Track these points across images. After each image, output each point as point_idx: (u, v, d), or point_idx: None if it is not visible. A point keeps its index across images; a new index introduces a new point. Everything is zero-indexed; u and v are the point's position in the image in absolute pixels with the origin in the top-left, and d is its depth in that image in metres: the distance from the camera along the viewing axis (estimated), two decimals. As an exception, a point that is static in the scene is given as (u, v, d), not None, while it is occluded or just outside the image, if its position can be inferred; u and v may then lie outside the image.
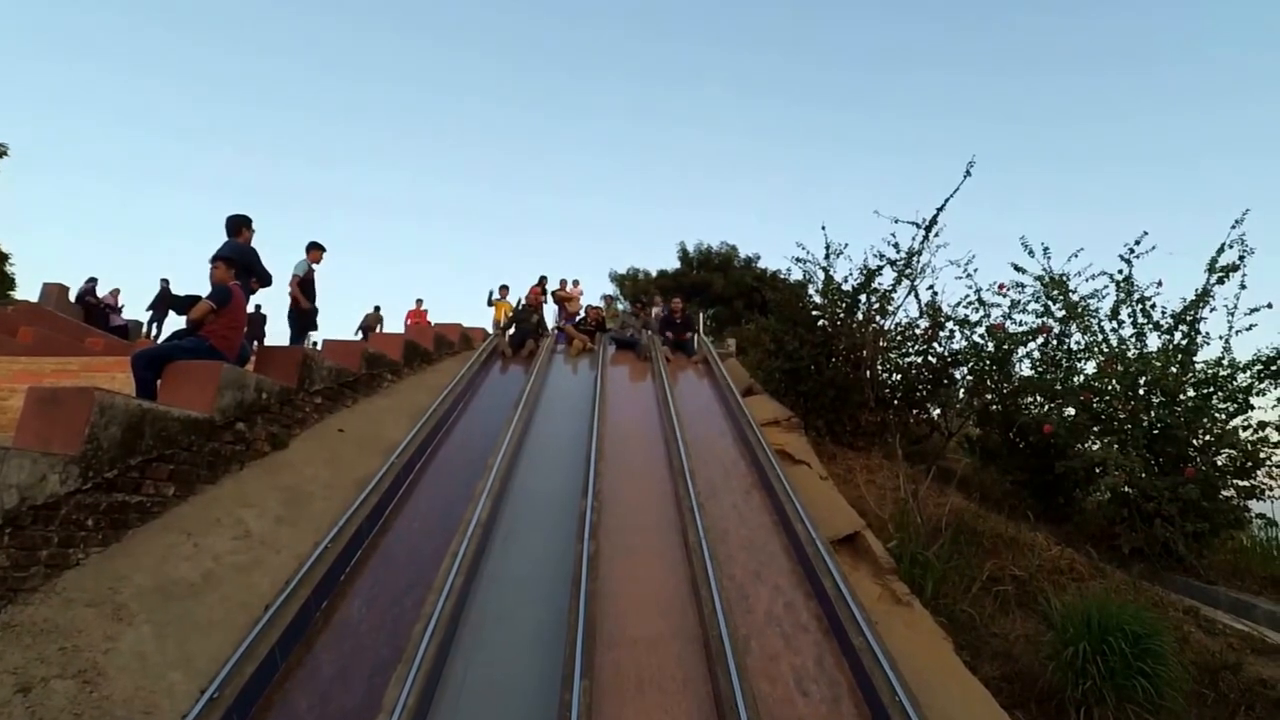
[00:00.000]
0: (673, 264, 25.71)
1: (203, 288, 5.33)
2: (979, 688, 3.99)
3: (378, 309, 16.69)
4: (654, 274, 25.54)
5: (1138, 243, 7.72)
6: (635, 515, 5.42)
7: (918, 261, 8.54)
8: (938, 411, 9.28)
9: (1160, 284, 7.59)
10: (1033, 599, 5.30)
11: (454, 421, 7.21)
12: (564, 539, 4.86)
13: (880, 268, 8.61)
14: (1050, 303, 8.14)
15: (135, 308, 17.98)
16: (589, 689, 3.26)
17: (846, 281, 8.88)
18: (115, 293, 14.98)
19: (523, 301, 12.42)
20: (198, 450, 4.51)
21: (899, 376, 8.91)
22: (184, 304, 5.32)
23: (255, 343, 9.29)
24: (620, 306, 19.24)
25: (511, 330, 10.82)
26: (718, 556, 4.56)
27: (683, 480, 5.66)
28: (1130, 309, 7.63)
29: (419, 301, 15.92)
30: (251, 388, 5.13)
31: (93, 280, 14.57)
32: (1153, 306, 7.54)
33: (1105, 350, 7.64)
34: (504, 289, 15.28)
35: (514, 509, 5.38)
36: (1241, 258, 7.13)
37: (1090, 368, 7.92)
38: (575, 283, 16.20)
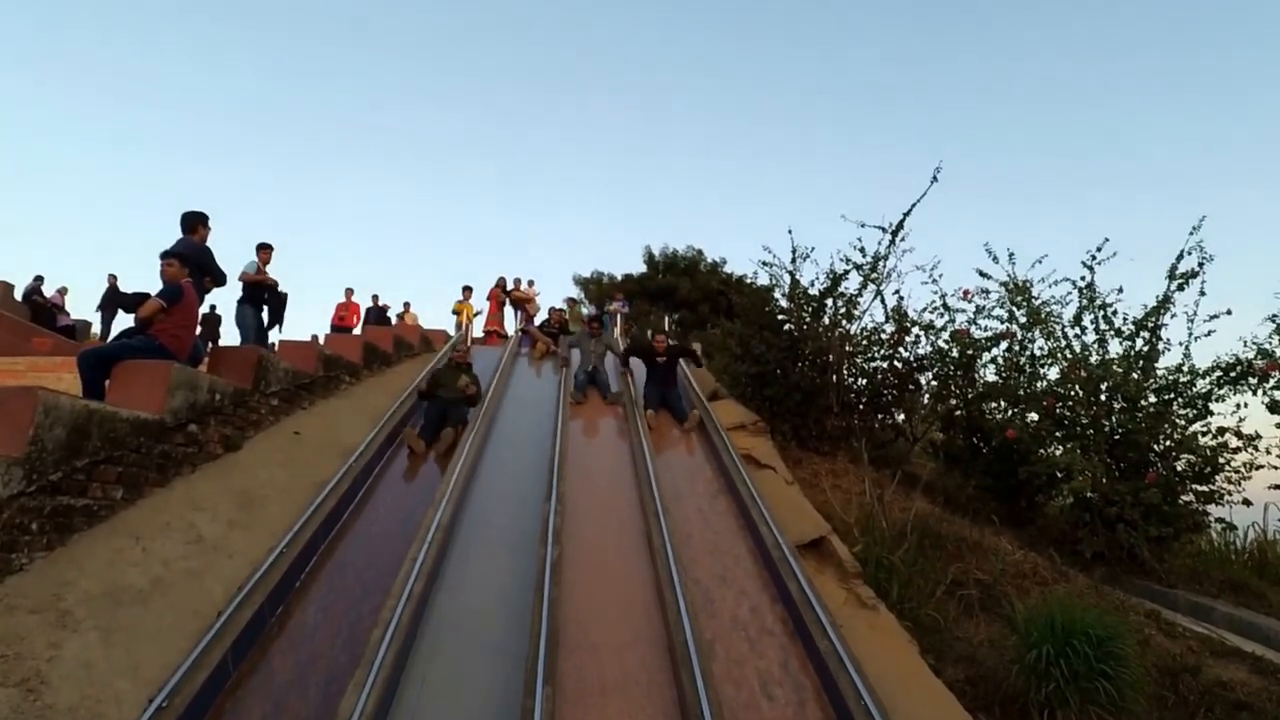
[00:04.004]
0: (638, 268, 25.85)
1: (153, 285, 5.30)
2: (944, 691, 4.13)
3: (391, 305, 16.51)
4: (619, 278, 25.63)
5: (1099, 249, 8.01)
6: (599, 518, 5.51)
7: (884, 266, 8.73)
8: (902, 416, 9.51)
9: (1121, 290, 7.91)
10: (997, 603, 5.48)
11: (414, 424, 7.21)
12: (527, 543, 4.93)
13: (847, 272, 8.78)
14: (1014, 308, 8.41)
15: (83, 307, 17.50)
16: (551, 695, 3.34)
17: (813, 285, 9.04)
18: (62, 291, 14.66)
19: (455, 348, 9.29)
20: (147, 452, 4.48)
21: (865, 381, 9.12)
22: (133, 302, 5.27)
23: (209, 344, 9.19)
24: (584, 310, 19.29)
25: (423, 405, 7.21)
26: (682, 560, 4.66)
27: (647, 485, 5.76)
28: (1092, 315, 7.91)
29: (349, 292, 14.85)
30: (204, 388, 5.11)
31: (39, 279, 14.25)
32: (1114, 313, 7.83)
33: (1068, 356, 7.91)
34: (467, 290, 15.20)
35: (476, 512, 5.43)
36: (1201, 264, 7.40)
37: (1053, 373, 8.21)
38: (530, 283, 16.20)
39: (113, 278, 14.61)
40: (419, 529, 4.70)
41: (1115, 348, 7.78)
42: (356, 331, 13.99)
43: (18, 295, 13.58)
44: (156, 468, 4.56)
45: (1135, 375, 7.42)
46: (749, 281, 10.98)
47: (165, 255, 5.27)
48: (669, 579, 4.44)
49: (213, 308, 15.54)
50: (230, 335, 15.95)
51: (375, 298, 15.94)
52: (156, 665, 3.37)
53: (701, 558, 5.10)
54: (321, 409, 6.76)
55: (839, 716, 3.67)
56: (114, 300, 13.99)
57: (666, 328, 13.26)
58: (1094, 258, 8.01)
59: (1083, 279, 8.02)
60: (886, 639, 4.54)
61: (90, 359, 4.81)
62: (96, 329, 14.60)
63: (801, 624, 4.29)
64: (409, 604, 3.90)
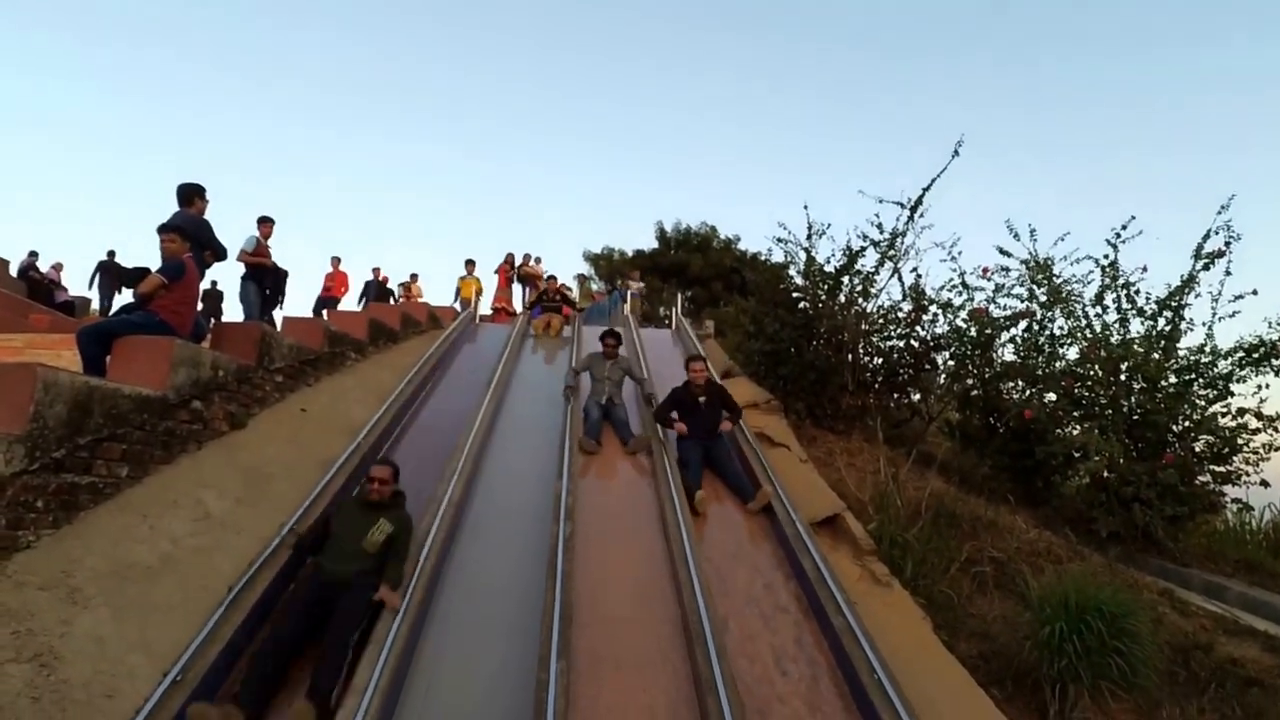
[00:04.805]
0: (650, 243, 25.78)
1: (151, 260, 5.26)
2: (957, 666, 4.20)
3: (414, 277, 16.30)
4: (630, 253, 25.53)
5: (1124, 227, 7.92)
6: (612, 496, 5.52)
7: (902, 243, 8.66)
8: (918, 396, 9.49)
9: (1145, 269, 7.83)
10: (1011, 580, 5.54)
11: (422, 402, 7.25)
12: (539, 520, 4.95)
13: (863, 249, 8.72)
14: (1034, 287, 8.35)
15: (80, 283, 17.42)
16: (566, 669, 3.36)
17: (829, 263, 8.97)
18: (58, 267, 14.51)
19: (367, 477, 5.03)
20: (151, 429, 4.47)
21: (880, 360, 9.09)
22: (133, 277, 5.24)
23: (212, 320, 9.17)
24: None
25: None
26: (696, 537, 4.69)
27: (660, 461, 5.76)
28: (1115, 294, 7.86)
29: (335, 261, 14.15)
30: (207, 365, 5.09)
31: (33, 254, 14.12)
32: (1137, 292, 7.77)
33: (1088, 336, 7.88)
34: (470, 264, 15.09)
35: (486, 489, 5.46)
36: (1228, 243, 7.35)
37: (1073, 353, 8.17)
38: (538, 260, 16.06)
39: (110, 253, 14.54)
40: (429, 505, 4.72)
41: (1137, 327, 7.75)
42: (345, 303, 13.81)
43: (12, 271, 13.46)
44: (161, 445, 4.56)
45: (1156, 356, 7.41)
46: (763, 259, 10.85)
47: (164, 229, 5.22)
48: (683, 555, 4.45)
49: (214, 283, 15.51)
50: (233, 312, 15.91)
51: (376, 270, 15.72)
52: (169, 640, 3.40)
53: (718, 535, 5.14)
54: (327, 386, 6.76)
55: (853, 691, 3.72)
56: (114, 276, 13.94)
57: (679, 306, 12.70)
58: (1119, 235, 7.92)
59: (1106, 257, 7.95)
60: (900, 615, 4.59)
61: (90, 335, 4.79)
62: (95, 306, 14.55)
63: (815, 600, 4.32)
64: (420, 580, 3.92)
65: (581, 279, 17.78)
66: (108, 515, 3.97)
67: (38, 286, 13.23)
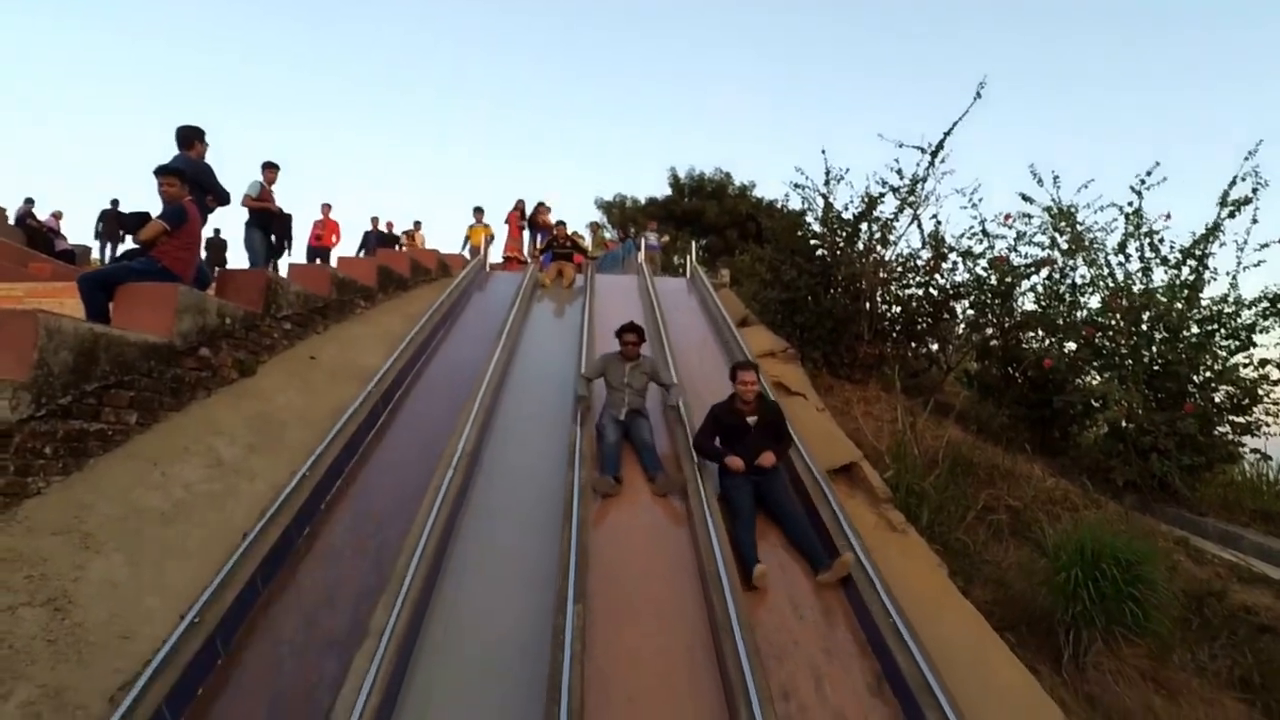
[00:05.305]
0: (663, 190, 25.40)
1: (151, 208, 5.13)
2: (972, 610, 4.19)
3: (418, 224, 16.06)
4: (642, 201, 25.15)
5: (1149, 173, 7.73)
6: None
7: (922, 189, 8.50)
8: (936, 346, 9.43)
9: (1169, 217, 7.67)
10: (1026, 528, 5.54)
11: (434, 350, 7.19)
12: (554, 469, 4.92)
13: (882, 195, 8.54)
14: (1057, 235, 8.19)
15: (80, 232, 17.24)
16: (582, 612, 3.35)
17: (847, 209, 8.80)
18: (57, 215, 14.28)
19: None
20: (159, 377, 4.43)
21: (899, 309, 8.99)
22: (134, 222, 5.13)
23: (216, 270, 9.06)
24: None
25: None
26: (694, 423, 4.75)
27: (676, 414, 5.70)
28: (1138, 242, 7.73)
29: (326, 208, 13.22)
30: (213, 312, 5.02)
31: (30, 201, 13.85)
32: (1161, 240, 7.64)
33: (1110, 285, 7.78)
34: (479, 212, 14.83)
35: (500, 438, 5.43)
36: (1255, 190, 7.22)
37: (1094, 302, 8.07)
38: (548, 208, 15.78)
39: (115, 202, 14.35)
40: (443, 454, 4.69)
41: (1160, 276, 7.67)
42: (337, 252, 13.45)
43: (9, 220, 13.29)
44: (171, 392, 4.52)
45: (1179, 305, 7.33)
46: (780, 207, 10.64)
47: (162, 171, 5.07)
48: (699, 505, 4.41)
49: (217, 231, 15.33)
50: (238, 261, 15.77)
51: (375, 219, 15.44)
52: (185, 584, 3.40)
53: None
54: (336, 333, 6.70)
55: (868, 635, 3.73)
56: (117, 223, 13.76)
57: (693, 254, 12.03)
58: (1143, 182, 7.74)
59: (1130, 204, 7.79)
60: (916, 562, 4.58)
61: (91, 282, 4.73)
62: (96, 255, 14.43)
63: (831, 546, 4.29)
64: (436, 527, 3.91)
65: (594, 226, 17.49)
66: (118, 462, 3.96)
67: (36, 235, 13.03)
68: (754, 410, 4.83)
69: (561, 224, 11.41)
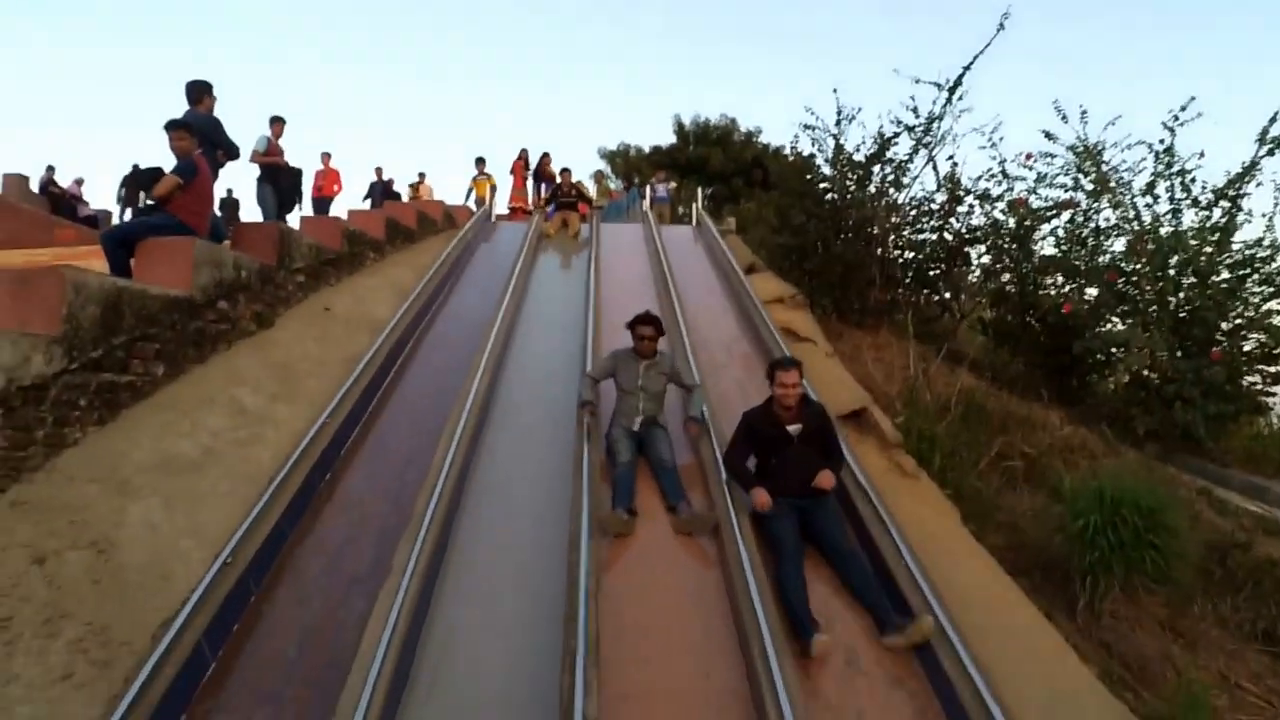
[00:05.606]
0: (667, 138, 25.07)
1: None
2: (985, 555, 4.15)
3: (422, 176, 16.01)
4: (646, 150, 24.84)
5: (1183, 108, 7.35)
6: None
7: (938, 128, 8.20)
8: (949, 293, 9.23)
9: (1203, 155, 7.34)
10: (1042, 476, 5.48)
11: (443, 300, 7.32)
12: (563, 412, 5.03)
13: (896, 135, 8.28)
14: (1080, 175, 7.88)
15: (101, 198, 17.45)
16: (595, 547, 3.47)
17: (859, 151, 8.56)
18: (79, 182, 14.54)
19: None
20: (181, 329, 4.56)
21: (911, 254, 8.84)
22: (149, 178, 5.23)
23: (231, 229, 9.17)
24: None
25: None
26: (719, 428, 4.71)
27: (683, 354, 5.76)
28: (1168, 182, 7.41)
29: (325, 157, 12.81)
30: (230, 265, 5.14)
31: (51, 169, 14.09)
32: (1193, 180, 7.30)
33: (1136, 228, 7.49)
34: (480, 162, 14.69)
35: (510, 384, 5.57)
36: None
37: (1119, 246, 7.82)
38: (549, 159, 15.60)
39: (135, 166, 14.43)
40: (458, 398, 4.82)
41: (1190, 218, 7.35)
42: (338, 202, 13.42)
43: (33, 187, 13.52)
44: (193, 344, 4.67)
45: (1209, 249, 7.04)
46: (787, 155, 10.41)
47: (172, 126, 5.12)
48: (711, 455, 4.49)
49: (230, 192, 15.41)
50: (250, 218, 15.80)
51: (379, 171, 15.33)
52: (217, 527, 3.58)
53: None
54: (349, 285, 6.86)
55: (880, 577, 3.72)
56: (138, 184, 13.90)
57: (699, 202, 11.60)
58: (1176, 118, 7.35)
59: (1161, 142, 7.42)
60: (927, 507, 4.56)
61: (113, 239, 4.89)
62: (118, 220, 14.63)
63: (842, 488, 4.33)
64: (453, 468, 4.05)
65: (599, 175, 17.30)
66: (148, 412, 4.12)
67: (59, 202, 13.30)
68: (796, 417, 4.04)
69: (566, 171, 11.34)
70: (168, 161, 5.16)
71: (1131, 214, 7.60)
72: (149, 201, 5.27)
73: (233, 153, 6.20)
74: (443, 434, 4.40)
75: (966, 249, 8.62)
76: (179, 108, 5.98)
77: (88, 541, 3.29)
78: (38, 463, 3.51)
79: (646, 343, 4.68)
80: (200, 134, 5.34)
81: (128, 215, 14.50)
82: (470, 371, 5.18)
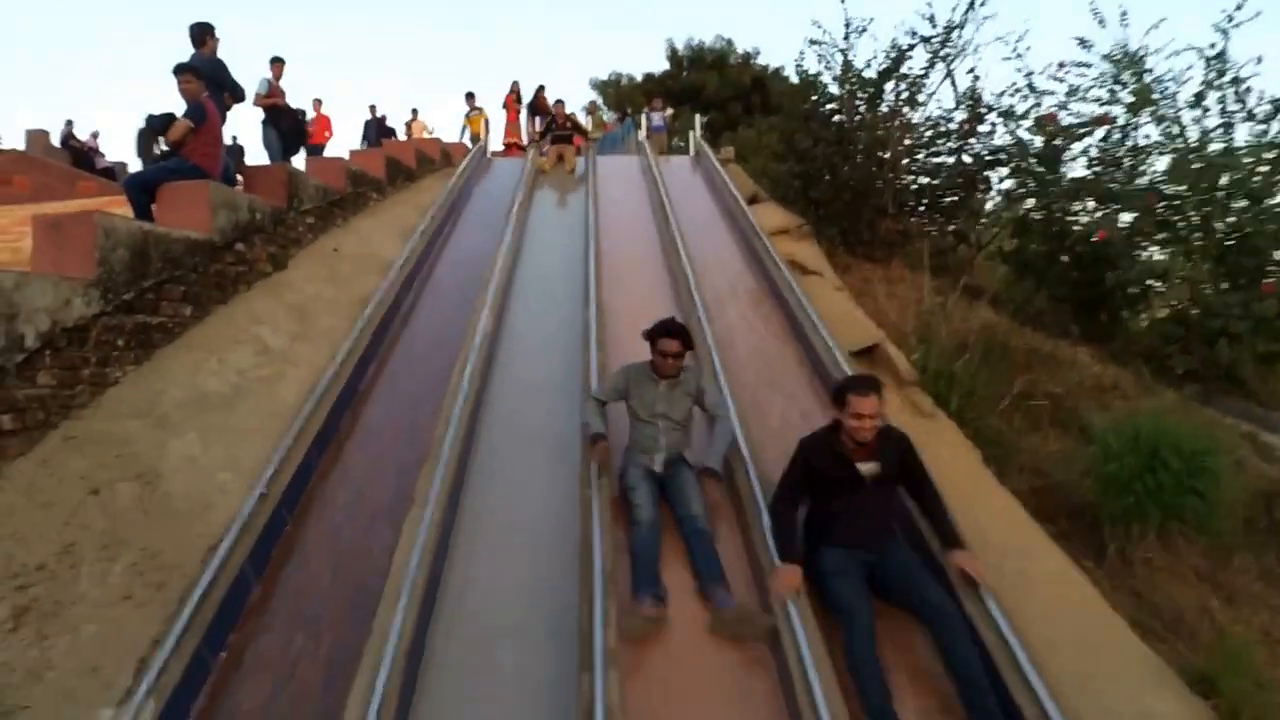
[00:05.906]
0: (660, 65, 24.21)
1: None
2: (1009, 497, 3.94)
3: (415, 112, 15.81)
4: (639, 79, 24.06)
5: (1239, 8, 6.68)
6: (636, 326, 5.49)
7: (958, 38, 7.57)
8: (967, 220, 8.76)
9: (1260, 61, 6.69)
10: (1069, 416, 5.25)
11: (445, 239, 7.48)
12: (569, 347, 5.15)
13: (912, 46, 7.69)
14: (1118, 87, 7.18)
15: (117, 150, 17.67)
16: (605, 486, 3.52)
17: (869, 67, 8.00)
18: (95, 135, 14.89)
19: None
20: (204, 271, 4.75)
21: (926, 179, 8.33)
22: (162, 124, 5.31)
23: (239, 177, 9.27)
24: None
25: None
26: (727, 365, 4.67)
27: (685, 288, 5.81)
28: (1220, 93, 6.76)
29: (317, 103, 12.68)
30: (244, 208, 5.29)
31: (70, 123, 14.36)
32: (1248, 90, 6.68)
33: (1182, 145, 6.91)
34: (470, 97, 14.44)
35: (517, 316, 5.74)
36: None
37: (1160, 165, 7.22)
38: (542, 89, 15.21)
39: (150, 117, 14.52)
40: (467, 332, 5.00)
41: (1243, 134, 6.75)
42: (331, 148, 13.11)
43: (54, 141, 13.83)
44: (215, 286, 4.87)
45: (1265, 167, 6.46)
46: (790, 77, 9.88)
47: (180, 69, 5.17)
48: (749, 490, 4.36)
49: (234, 138, 15.34)
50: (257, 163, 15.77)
51: (373, 108, 15.03)
52: (251, 460, 3.83)
53: (750, 362, 5.07)
54: (355, 226, 7.05)
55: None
56: (153, 132, 14.00)
57: (697, 130, 10.88)
58: (1230, 19, 6.69)
59: (1212, 46, 6.74)
60: (946, 446, 4.31)
61: (135, 185, 5.06)
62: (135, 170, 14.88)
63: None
64: (468, 400, 4.21)
65: (592, 107, 16.90)
66: (180, 352, 4.34)
67: (80, 155, 13.68)
68: (871, 453, 3.12)
69: (560, 103, 11.04)
70: (178, 106, 5.23)
71: (1176, 129, 7.00)
72: (164, 148, 5.37)
73: (238, 94, 6.25)
74: (455, 366, 4.56)
75: (987, 172, 8.12)
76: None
77: (135, 474, 3.53)
78: (84, 400, 3.73)
79: (669, 361, 3.60)
80: (206, 77, 5.38)
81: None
82: (475, 309, 5.33)
